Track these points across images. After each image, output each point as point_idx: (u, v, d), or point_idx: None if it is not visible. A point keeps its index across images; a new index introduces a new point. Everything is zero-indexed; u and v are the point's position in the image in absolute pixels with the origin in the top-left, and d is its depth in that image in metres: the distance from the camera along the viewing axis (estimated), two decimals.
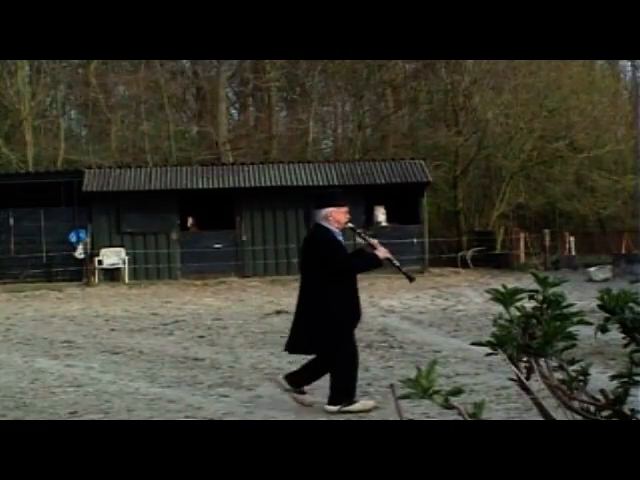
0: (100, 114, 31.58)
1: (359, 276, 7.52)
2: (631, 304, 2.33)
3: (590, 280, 19.99)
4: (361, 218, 22.06)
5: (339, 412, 7.01)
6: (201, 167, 25.42)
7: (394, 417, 2.22)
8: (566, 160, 30.64)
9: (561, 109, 30.05)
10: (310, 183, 24.24)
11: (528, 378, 2.31)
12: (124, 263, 23.67)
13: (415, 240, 23.85)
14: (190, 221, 24.60)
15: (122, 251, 23.82)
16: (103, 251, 23.72)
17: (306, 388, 8.07)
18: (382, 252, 7.42)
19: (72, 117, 36.86)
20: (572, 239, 26.87)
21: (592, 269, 21.09)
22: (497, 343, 2.28)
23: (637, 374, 2.34)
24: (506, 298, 2.34)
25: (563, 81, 29.86)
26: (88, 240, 23.83)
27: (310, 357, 7.50)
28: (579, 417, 2.29)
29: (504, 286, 2.39)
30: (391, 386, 2.21)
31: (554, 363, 2.33)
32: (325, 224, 7.30)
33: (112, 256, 23.74)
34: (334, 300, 7.15)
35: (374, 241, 7.52)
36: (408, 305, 16.39)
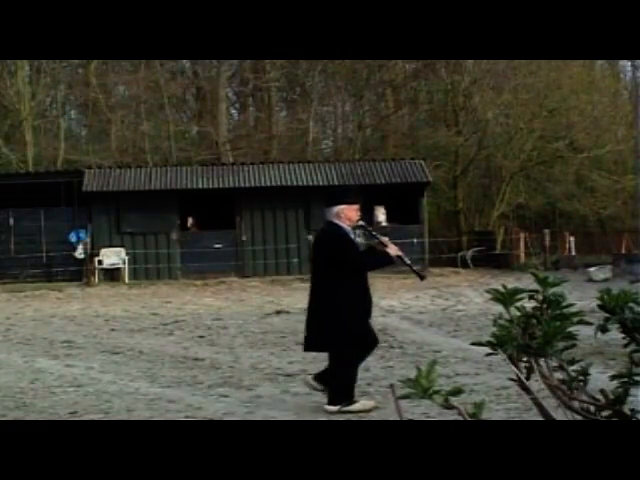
0: (100, 114, 31.58)
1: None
2: (631, 304, 2.33)
3: (590, 280, 19.99)
4: (361, 218, 22.02)
5: (339, 412, 7.01)
6: (201, 167, 25.42)
7: (394, 417, 2.22)
8: (566, 160, 30.65)
9: (561, 109, 30.06)
10: (310, 183, 24.25)
11: (528, 378, 2.31)
12: (124, 263, 23.67)
13: (415, 240, 23.85)
14: (190, 221, 24.60)
15: (122, 251, 23.82)
16: (103, 251, 23.72)
17: (305, 389, 8.08)
18: (393, 250, 7.42)
19: (72, 117, 36.88)
20: (572, 239, 26.87)
21: (592, 269, 21.10)
22: (497, 343, 2.28)
23: (637, 374, 2.34)
24: (506, 298, 2.34)
25: (563, 81, 29.86)
26: (88, 240, 23.83)
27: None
28: (579, 417, 2.29)
29: (504, 286, 2.39)
30: (391, 386, 2.21)
31: (554, 363, 2.33)
32: (337, 221, 7.30)
33: (112, 256, 23.74)
34: (345, 298, 7.15)
35: (385, 239, 7.52)
36: (408, 305, 16.39)
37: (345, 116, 35.49)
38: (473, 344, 2.47)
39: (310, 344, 7.44)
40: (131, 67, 32.90)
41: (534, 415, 2.51)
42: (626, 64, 31.35)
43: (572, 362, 2.36)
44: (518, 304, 2.35)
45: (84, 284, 22.64)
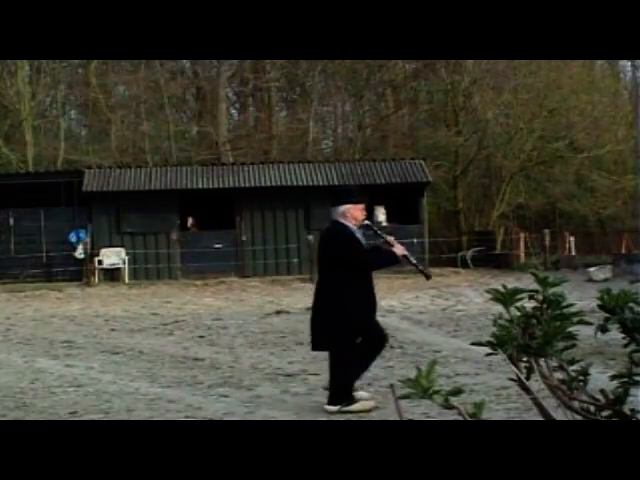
0: (100, 114, 31.59)
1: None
2: (631, 304, 2.33)
3: (590, 280, 19.99)
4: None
5: (339, 412, 7.01)
6: (201, 167, 25.43)
7: (394, 417, 2.22)
8: (566, 160, 30.65)
9: (561, 109, 30.07)
10: (310, 183, 24.26)
11: (528, 378, 2.31)
12: (124, 263, 23.67)
13: (415, 240, 23.84)
14: (190, 221, 24.60)
15: (122, 251, 23.83)
16: (103, 251, 23.72)
17: (305, 389, 8.09)
18: (399, 249, 7.43)
19: (72, 117, 36.89)
20: (572, 239, 26.88)
21: (592, 269, 21.10)
22: (497, 343, 2.28)
23: (637, 374, 2.34)
24: (506, 298, 2.34)
25: (563, 81, 29.87)
26: (88, 240, 23.83)
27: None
28: (579, 417, 2.29)
29: (504, 286, 2.39)
30: (391, 386, 2.21)
31: (554, 363, 2.33)
32: (342, 221, 7.30)
33: (112, 256, 23.74)
34: (350, 298, 7.15)
35: (391, 238, 7.52)
36: (408, 305, 16.39)
37: (345, 116, 35.49)
38: (473, 344, 2.47)
39: (315, 343, 7.43)
40: (131, 67, 32.90)
41: (534, 415, 2.51)
42: (626, 64, 31.38)
43: (572, 362, 2.36)
44: (518, 304, 2.34)
45: (84, 284, 22.64)
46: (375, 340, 7.37)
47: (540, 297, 2.34)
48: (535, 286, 2.36)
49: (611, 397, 2.30)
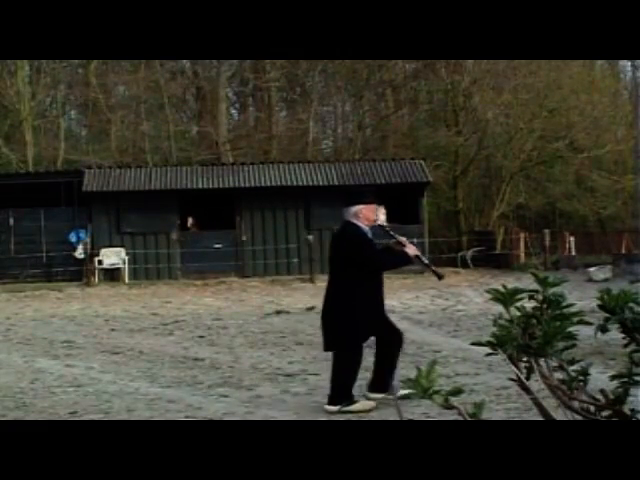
0: (100, 114, 31.58)
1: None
2: (631, 304, 2.33)
3: (590, 280, 19.99)
4: None
5: (339, 412, 7.01)
6: (201, 167, 25.42)
7: (394, 417, 2.22)
8: (566, 160, 30.66)
9: (561, 109, 30.06)
10: (310, 183, 24.25)
11: (528, 378, 2.31)
12: (124, 263, 23.67)
13: (415, 240, 23.74)
14: (190, 221, 24.60)
15: (122, 251, 23.83)
16: (103, 251, 23.72)
17: (305, 389, 8.08)
18: (412, 250, 7.43)
19: (72, 117, 36.88)
20: (572, 239, 26.87)
21: (592, 269, 21.09)
22: (497, 343, 2.28)
23: (637, 374, 2.34)
24: (506, 298, 2.34)
25: (563, 81, 29.86)
26: (88, 240, 23.83)
27: (375, 354, 7.47)
28: (579, 417, 2.29)
29: (504, 286, 2.39)
30: (391, 386, 2.21)
31: (554, 363, 2.33)
32: (355, 221, 7.30)
33: (112, 256, 23.74)
34: (362, 299, 7.15)
35: (403, 239, 7.53)
36: (408, 305, 16.39)
37: (345, 116, 35.50)
38: (473, 344, 2.47)
39: (327, 344, 7.40)
40: (131, 67, 32.89)
41: (534, 415, 2.51)
42: (626, 64, 31.37)
43: (572, 362, 2.36)
44: (518, 304, 2.35)
45: (84, 284, 22.63)
46: (391, 338, 7.37)
47: (540, 297, 2.34)
48: (535, 286, 2.36)
49: (611, 397, 2.30)
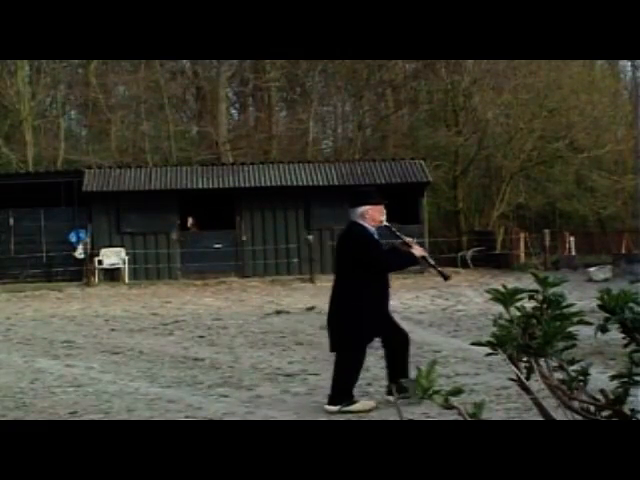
0: (100, 114, 31.58)
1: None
2: (631, 304, 2.33)
3: (590, 280, 19.99)
4: None
5: (339, 412, 7.01)
6: (201, 167, 25.42)
7: (394, 417, 2.22)
8: (566, 160, 30.65)
9: (561, 109, 30.06)
10: (310, 183, 24.25)
11: (528, 378, 2.31)
12: (124, 263, 23.67)
13: (415, 240, 23.82)
14: (190, 221, 24.60)
15: (122, 251, 23.83)
16: (103, 251, 23.72)
17: (305, 389, 8.08)
18: (418, 250, 7.44)
19: (72, 117, 36.88)
20: (572, 239, 26.87)
21: (592, 269, 21.09)
22: (497, 343, 2.28)
23: (637, 374, 2.34)
24: (506, 298, 2.34)
25: (563, 81, 29.86)
26: (88, 240, 23.83)
27: (384, 356, 7.45)
28: (579, 417, 2.29)
29: (504, 286, 2.39)
30: (391, 386, 2.21)
31: (554, 363, 2.33)
32: (361, 222, 7.30)
33: (112, 256, 23.74)
34: (367, 299, 7.15)
35: (409, 239, 7.53)
36: (408, 305, 16.39)
37: (345, 116, 35.50)
38: (473, 344, 2.47)
39: (333, 344, 7.40)
40: (131, 67, 32.89)
41: (534, 415, 2.51)
42: (626, 64, 31.36)
43: (572, 362, 2.36)
44: (518, 304, 2.35)
45: (84, 284, 22.63)
46: (397, 339, 7.37)
47: (540, 297, 2.34)
48: (535, 286, 2.36)
49: (611, 397, 2.30)
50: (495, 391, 7.68)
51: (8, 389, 8.74)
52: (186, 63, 33.49)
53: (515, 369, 2.30)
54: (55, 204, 24.05)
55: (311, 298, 17.97)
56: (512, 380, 2.36)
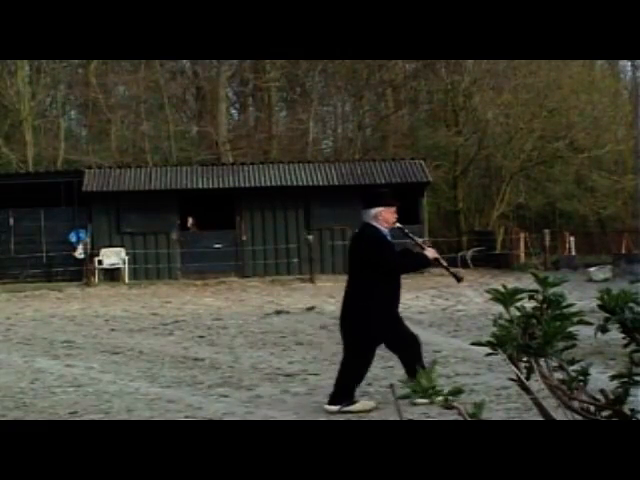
0: (100, 114, 31.59)
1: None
2: (631, 304, 2.32)
3: (590, 280, 19.98)
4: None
5: (339, 412, 7.01)
6: (201, 167, 25.42)
7: (394, 417, 2.23)
8: (566, 160, 30.65)
9: (561, 109, 30.06)
10: (310, 183, 24.25)
11: (528, 378, 2.31)
12: (124, 263, 23.67)
13: (429, 241, 23.82)
14: (190, 221, 24.60)
15: (122, 251, 23.83)
16: (103, 251, 23.72)
17: (305, 389, 8.06)
18: (431, 252, 7.45)
19: (72, 117, 36.89)
20: (572, 239, 26.87)
21: (592, 269, 21.08)
22: (497, 343, 2.28)
23: (637, 374, 2.34)
24: (506, 298, 2.34)
25: (563, 81, 29.86)
26: (88, 240, 23.83)
27: (399, 359, 7.45)
28: (579, 417, 2.29)
29: (504, 286, 2.38)
30: (391, 386, 2.21)
31: (554, 363, 2.32)
32: (374, 223, 7.31)
33: (112, 256, 23.74)
34: (379, 300, 7.15)
35: (421, 240, 7.56)
36: (408, 305, 16.38)
37: (345, 116, 35.49)
38: (473, 344, 2.47)
39: (346, 345, 7.39)
40: (131, 67, 32.89)
41: (534, 415, 2.51)
42: (626, 64, 31.38)
43: (572, 362, 2.36)
44: (518, 304, 2.34)
45: (84, 284, 22.63)
46: (407, 340, 7.38)
47: (540, 297, 2.34)
48: (535, 286, 2.36)
49: (611, 397, 2.30)
50: (495, 391, 7.68)
51: (8, 389, 8.74)
52: (186, 63, 33.50)
53: (515, 369, 2.30)
54: (55, 204, 24.06)
55: (311, 298, 17.98)
56: (512, 380, 2.36)
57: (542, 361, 2.31)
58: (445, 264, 7.70)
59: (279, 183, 24.26)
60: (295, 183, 24.27)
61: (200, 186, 24.28)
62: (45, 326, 14.58)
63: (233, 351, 11.06)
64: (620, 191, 30.22)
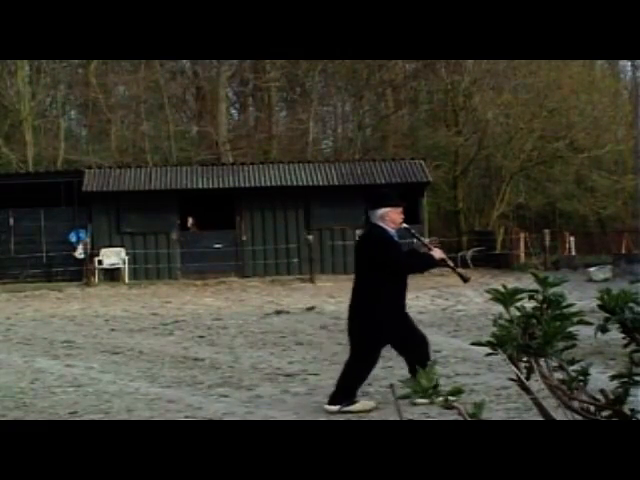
0: (100, 114, 31.59)
1: None
2: (631, 304, 2.32)
3: (590, 280, 19.98)
4: (361, 218, 22.07)
5: (339, 412, 7.00)
6: (201, 167, 25.42)
7: (394, 417, 2.22)
8: (566, 160, 30.65)
9: (561, 109, 30.06)
10: (310, 183, 24.26)
11: (528, 378, 2.31)
12: (124, 263, 23.67)
13: (437, 241, 23.83)
14: (190, 221, 24.60)
15: (122, 251, 23.83)
16: (103, 251, 23.72)
17: (305, 389, 8.06)
18: (437, 253, 7.46)
19: (72, 117, 36.88)
20: (572, 239, 26.87)
21: (592, 269, 21.08)
22: (497, 343, 2.28)
23: (637, 374, 2.34)
24: (506, 298, 2.34)
25: (563, 81, 29.86)
26: (88, 240, 23.83)
27: (404, 360, 7.44)
28: (579, 417, 2.29)
29: (504, 286, 2.38)
30: (391, 386, 2.21)
31: (554, 363, 2.32)
32: (381, 224, 7.31)
33: (112, 256, 23.74)
34: (386, 301, 7.16)
35: (428, 241, 7.57)
36: (408, 305, 16.36)
37: (345, 116, 35.49)
38: (473, 344, 2.47)
39: (353, 346, 7.38)
40: (131, 67, 32.89)
41: (534, 415, 2.51)
42: (626, 64, 31.38)
43: (572, 362, 2.36)
44: (518, 304, 2.34)
45: (84, 284, 22.63)
46: (414, 342, 7.38)
47: (540, 297, 2.34)
48: (535, 286, 2.36)
49: (611, 397, 2.30)
50: (495, 391, 7.68)
51: (8, 389, 8.74)
52: (186, 63, 33.50)
53: (515, 369, 2.30)
54: (55, 204, 24.06)
55: (311, 298, 17.98)
56: (512, 380, 2.36)
57: (542, 361, 2.31)
58: (452, 264, 7.71)
59: (279, 183, 24.27)
60: (295, 183, 24.28)
61: (200, 186, 24.28)
62: (45, 326, 14.58)
63: (233, 351, 11.06)
64: (620, 191, 30.22)
